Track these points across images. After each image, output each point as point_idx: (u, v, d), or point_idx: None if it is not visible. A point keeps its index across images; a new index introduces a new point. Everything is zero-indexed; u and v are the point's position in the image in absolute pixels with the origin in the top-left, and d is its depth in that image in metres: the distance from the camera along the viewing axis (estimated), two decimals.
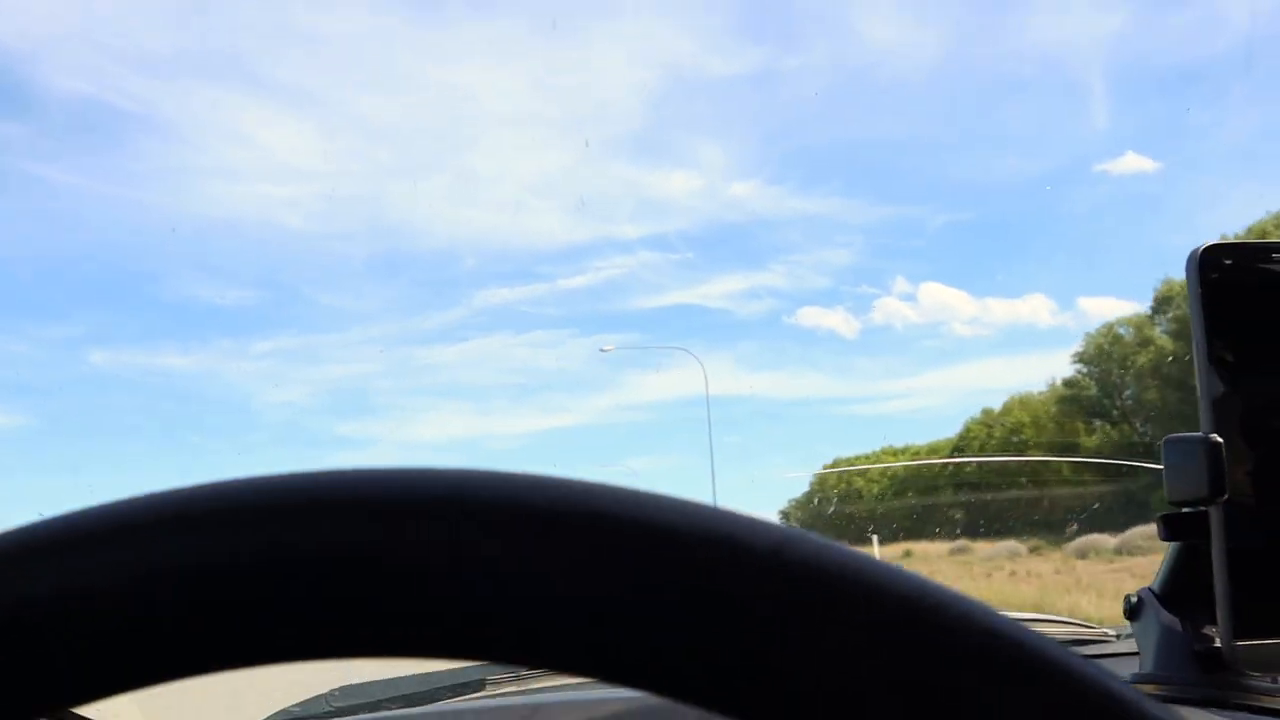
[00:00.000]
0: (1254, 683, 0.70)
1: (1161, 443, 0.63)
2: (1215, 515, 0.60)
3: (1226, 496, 0.60)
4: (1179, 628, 0.73)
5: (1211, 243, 0.61)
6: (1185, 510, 0.63)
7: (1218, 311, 0.60)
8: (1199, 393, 0.60)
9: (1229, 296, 0.61)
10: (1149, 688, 0.72)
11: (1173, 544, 0.76)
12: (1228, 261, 0.61)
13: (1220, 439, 0.59)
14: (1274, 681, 0.71)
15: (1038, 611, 1.54)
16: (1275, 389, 0.61)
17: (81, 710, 0.85)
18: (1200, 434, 0.60)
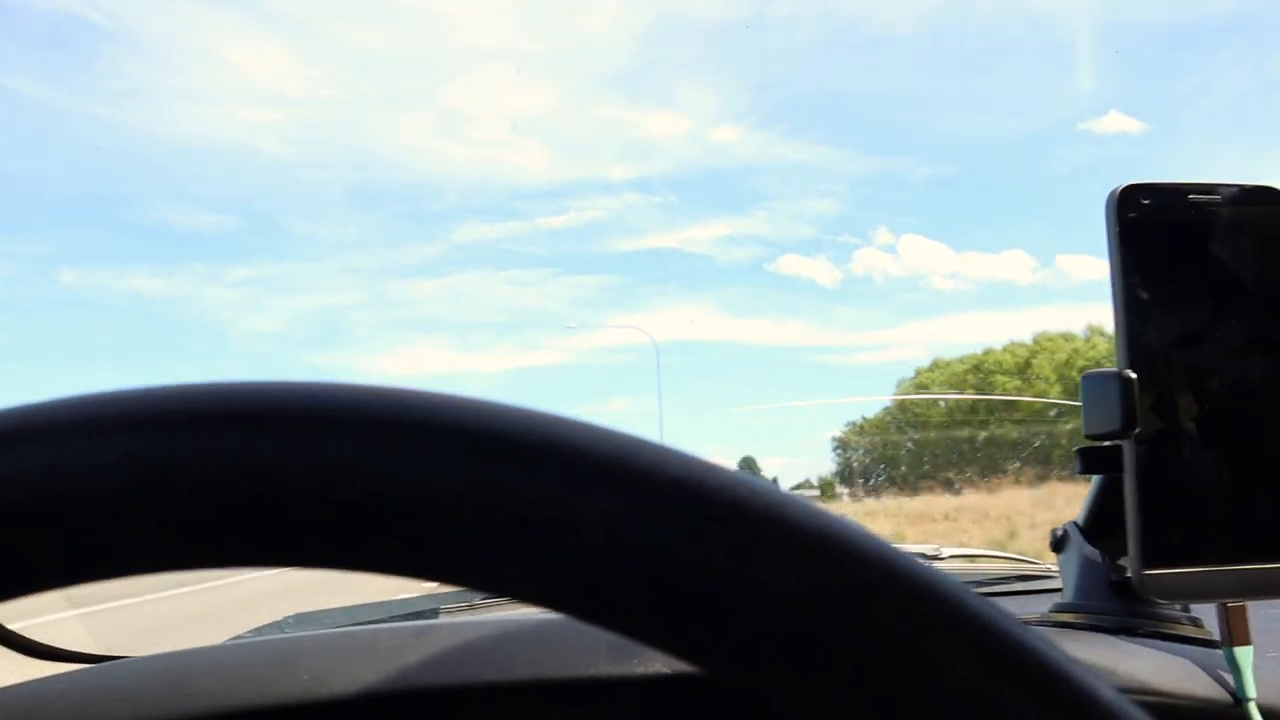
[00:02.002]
0: (1164, 611, 0.72)
1: (1080, 378, 0.64)
2: (1128, 449, 0.62)
3: (1138, 430, 0.61)
4: (1099, 559, 0.76)
5: (1130, 182, 0.62)
6: (1103, 444, 0.65)
7: (1134, 250, 0.61)
8: (1114, 329, 0.62)
9: (1146, 236, 0.62)
10: (1067, 616, 0.75)
11: (1096, 478, 0.78)
12: (1145, 201, 0.62)
13: (1133, 374, 0.61)
14: (1183, 609, 0.73)
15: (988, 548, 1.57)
16: (1187, 326, 0.62)
17: (27, 632, 0.86)
18: (1114, 369, 0.62)
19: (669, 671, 0.51)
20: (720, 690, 0.51)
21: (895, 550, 0.24)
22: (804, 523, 0.23)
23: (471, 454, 0.22)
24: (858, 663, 0.23)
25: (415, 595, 1.42)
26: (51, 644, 0.92)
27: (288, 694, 0.50)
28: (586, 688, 0.51)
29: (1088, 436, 0.64)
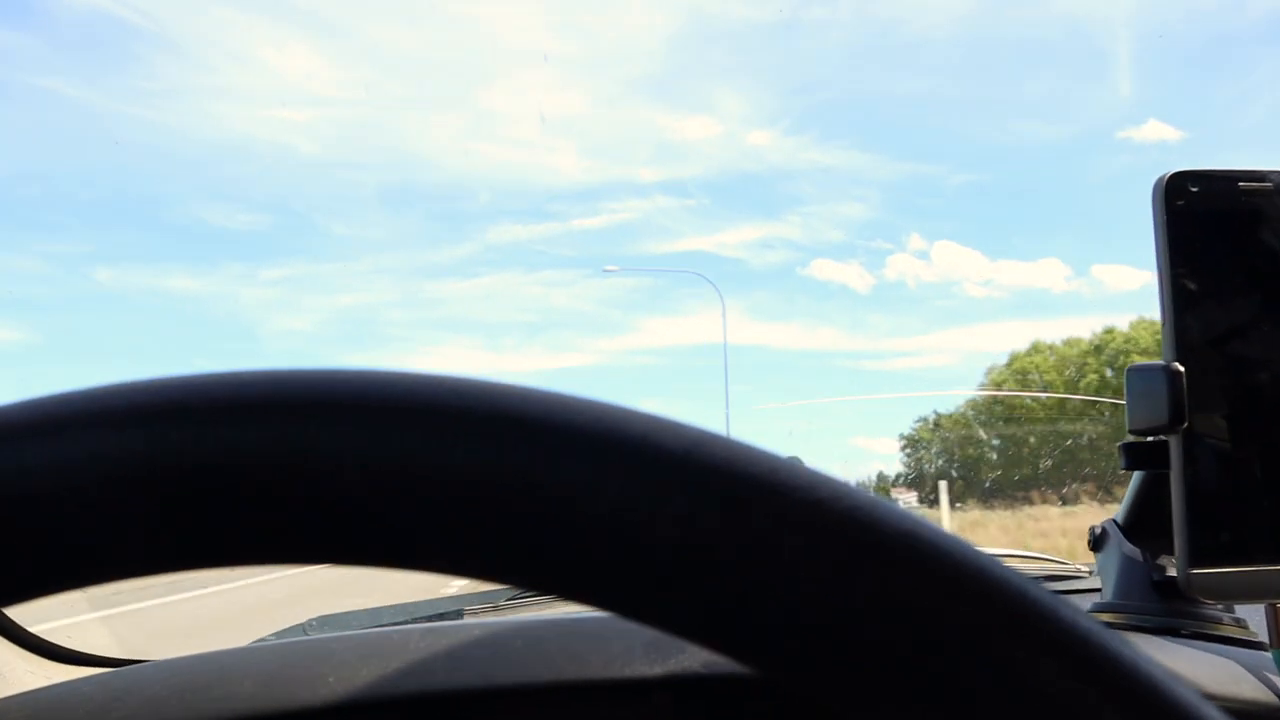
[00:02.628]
0: (1208, 611, 0.71)
1: (1125, 372, 0.63)
2: (1175, 444, 0.60)
3: (1186, 425, 0.60)
4: (1139, 558, 0.74)
5: (1179, 169, 0.60)
6: (1147, 440, 0.63)
7: (1182, 239, 0.60)
8: (1161, 321, 0.60)
9: (1194, 224, 0.60)
10: (1107, 616, 0.73)
11: (1136, 475, 0.76)
12: (1194, 189, 0.60)
13: (1181, 367, 0.59)
14: (1226, 610, 0.72)
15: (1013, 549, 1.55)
16: (1236, 318, 0.61)
17: (50, 636, 0.86)
18: (1161, 362, 0.60)
19: (704, 671, 0.50)
20: (756, 689, 0.50)
21: (981, 554, 0.23)
22: (888, 523, 0.22)
23: (626, 467, 0.21)
24: (938, 671, 0.22)
25: (438, 597, 1.42)
26: (74, 647, 0.91)
27: (315, 697, 0.49)
28: (624, 688, 0.50)
29: (1132, 431, 0.63)
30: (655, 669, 0.50)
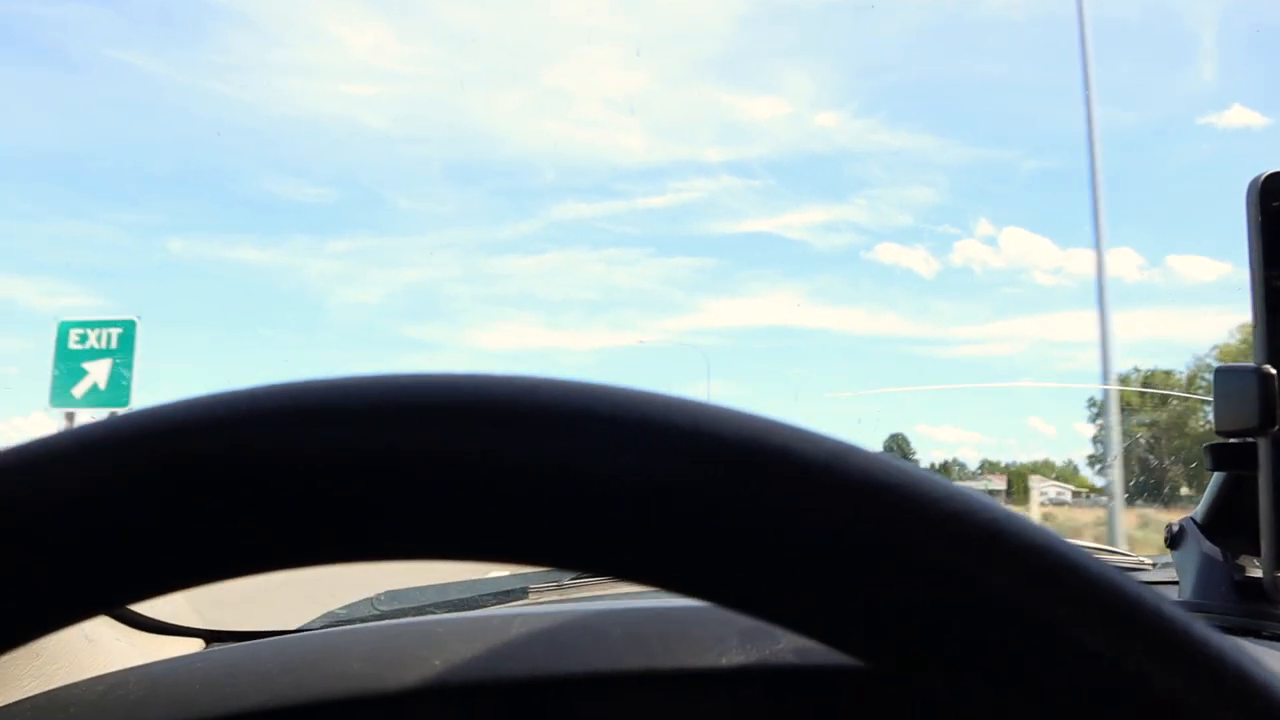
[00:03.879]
0: None
1: (1212, 373, 0.62)
2: (1264, 446, 0.60)
3: (1278, 428, 0.59)
4: (1219, 557, 0.73)
5: (1272, 170, 0.59)
6: (1233, 441, 0.63)
7: (1275, 241, 0.59)
8: (1252, 323, 0.59)
9: None
10: None
11: (1216, 474, 0.75)
12: None
13: (1273, 370, 0.59)
14: None
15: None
16: None
17: (136, 606, 0.88)
18: (1253, 364, 0.59)
19: (798, 661, 0.51)
20: (848, 680, 0.51)
21: (1111, 569, 0.23)
22: (1019, 535, 0.23)
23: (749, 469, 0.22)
24: (1053, 674, 0.22)
25: (502, 574, 1.44)
26: (159, 617, 0.94)
27: (421, 679, 0.50)
28: (716, 677, 0.50)
29: (1219, 433, 0.62)
30: (749, 658, 0.50)
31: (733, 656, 0.50)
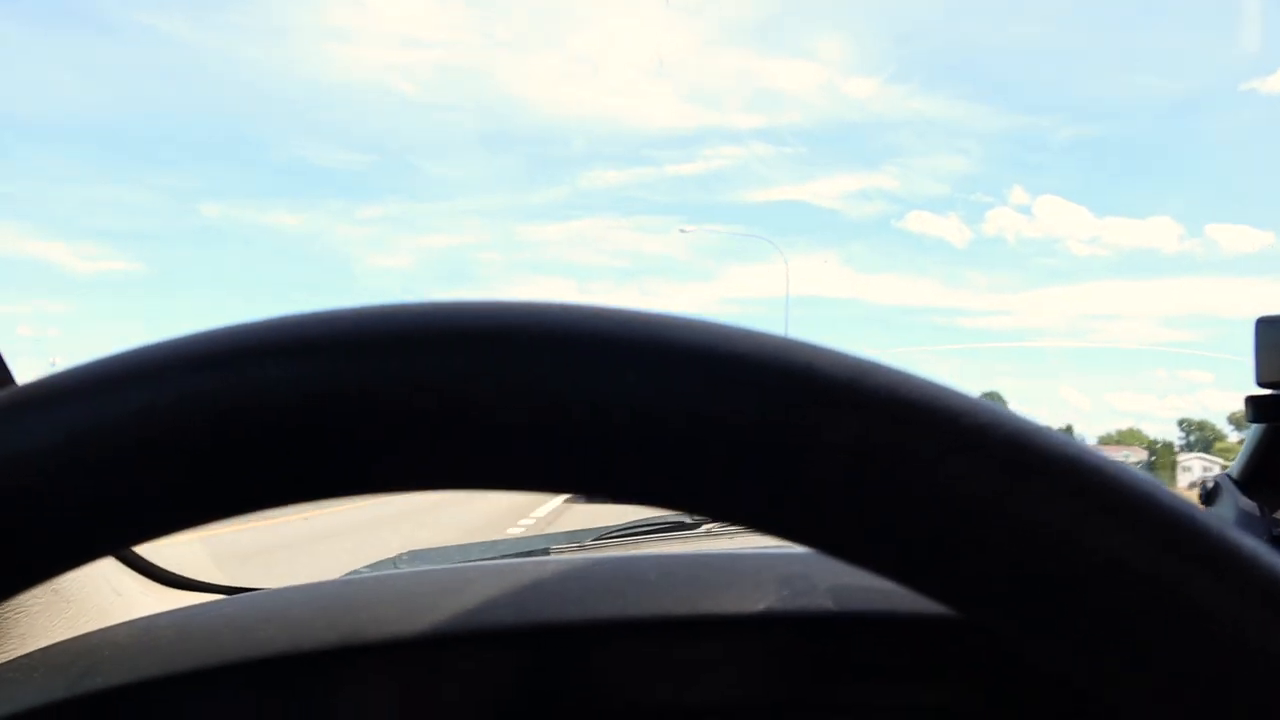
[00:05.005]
0: None
1: (1255, 322, 0.61)
2: None
3: None
4: (1256, 512, 0.72)
5: None
6: (1275, 393, 0.61)
7: None
8: None
9: None
10: None
11: (1252, 429, 0.74)
12: None
13: None
14: None
15: None
16: None
17: (162, 563, 0.89)
18: None
19: (837, 609, 0.50)
20: (889, 627, 0.50)
21: (1146, 479, 0.22)
22: (1050, 447, 0.22)
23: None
24: (1107, 603, 0.22)
25: (522, 535, 1.44)
26: (184, 574, 0.94)
27: (458, 623, 0.49)
28: (755, 622, 0.50)
29: (1261, 384, 0.61)
30: (787, 605, 0.50)
31: (770, 602, 0.50)
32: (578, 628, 0.50)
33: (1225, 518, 0.75)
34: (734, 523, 0.23)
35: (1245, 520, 0.72)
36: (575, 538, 1.25)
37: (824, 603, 0.50)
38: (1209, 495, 0.77)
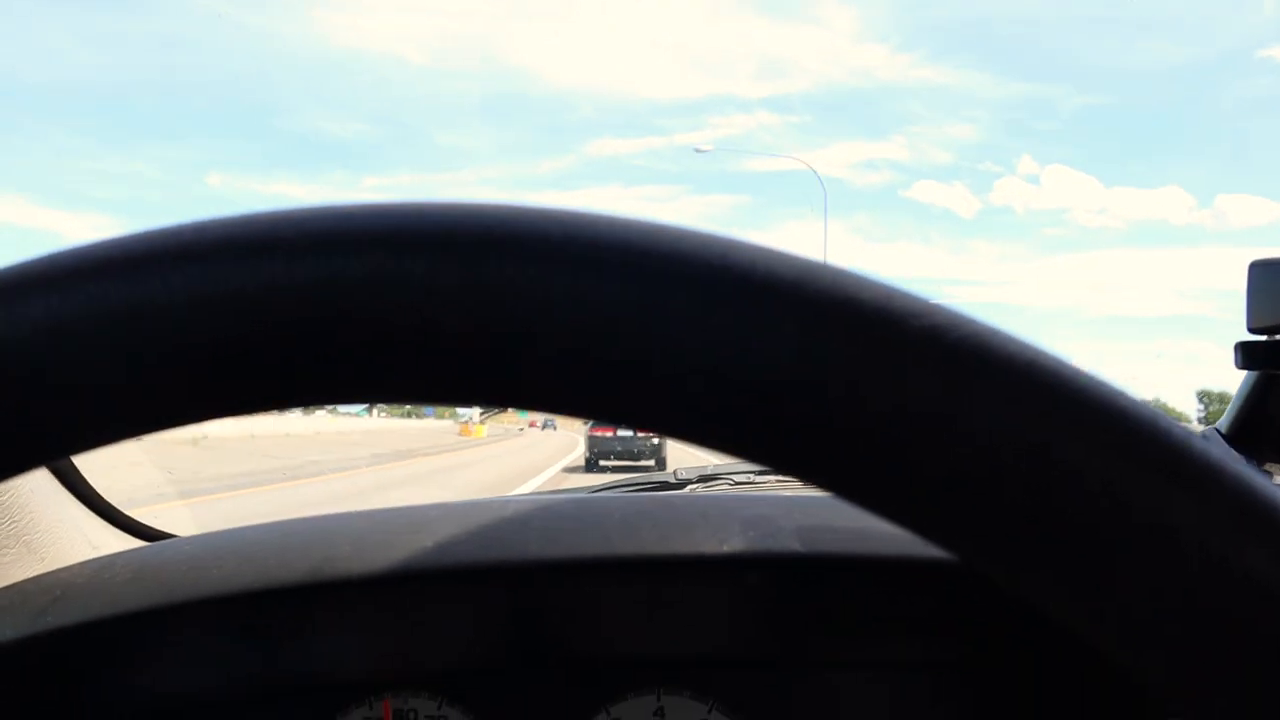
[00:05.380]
0: None
1: (1247, 266, 0.59)
2: None
3: None
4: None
5: None
6: (1268, 339, 0.60)
7: None
8: None
9: None
10: None
11: (1245, 380, 0.73)
12: None
13: None
14: None
15: None
16: None
17: (137, 515, 0.88)
18: None
19: (803, 550, 0.49)
20: (852, 566, 0.49)
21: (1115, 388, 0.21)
22: (1009, 352, 0.20)
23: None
24: (1073, 518, 0.20)
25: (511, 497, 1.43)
26: (162, 528, 0.93)
27: (413, 562, 0.48)
28: (719, 564, 0.49)
29: (1252, 330, 0.60)
30: (751, 546, 0.49)
31: (734, 544, 0.49)
32: (538, 566, 0.49)
33: None
34: (699, 443, 0.22)
35: None
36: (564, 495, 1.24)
37: (791, 545, 0.49)
38: None
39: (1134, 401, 0.21)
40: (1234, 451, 0.72)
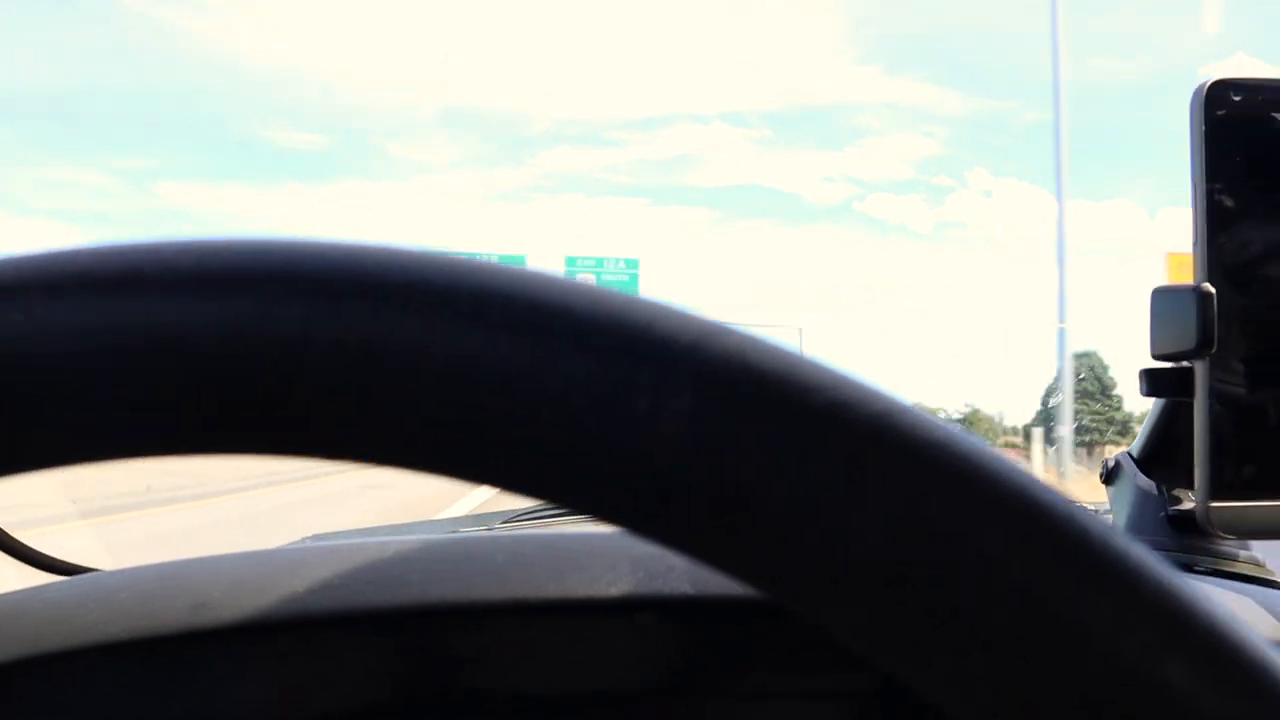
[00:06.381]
0: (1224, 548, 0.68)
1: (1150, 294, 0.59)
2: (1201, 369, 0.57)
3: (1214, 350, 0.56)
4: (1154, 491, 0.71)
5: (1220, 76, 0.56)
6: (1170, 366, 0.60)
7: (1220, 152, 0.56)
8: (1193, 239, 0.56)
9: (1234, 136, 0.56)
10: None
11: (1155, 405, 0.73)
12: (1237, 98, 0.56)
13: (1212, 289, 0.56)
14: (1243, 547, 0.69)
15: None
16: (1274, 238, 0.57)
17: (46, 550, 0.84)
18: (1191, 284, 0.57)
19: (694, 593, 0.48)
20: (747, 612, 0.48)
21: (1015, 466, 0.20)
22: (921, 435, 0.19)
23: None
24: (962, 602, 0.19)
25: (429, 520, 1.40)
26: (64, 558, 0.90)
27: (287, 609, 0.46)
28: (606, 607, 0.47)
29: (1156, 357, 0.60)
30: (641, 588, 0.47)
31: (622, 585, 0.47)
32: (422, 611, 0.47)
33: (1123, 497, 0.74)
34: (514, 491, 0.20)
35: (1142, 500, 0.71)
36: (482, 520, 1.22)
37: (681, 586, 0.48)
38: (1110, 474, 0.76)
39: (1055, 495, 0.20)
40: (1147, 480, 0.72)
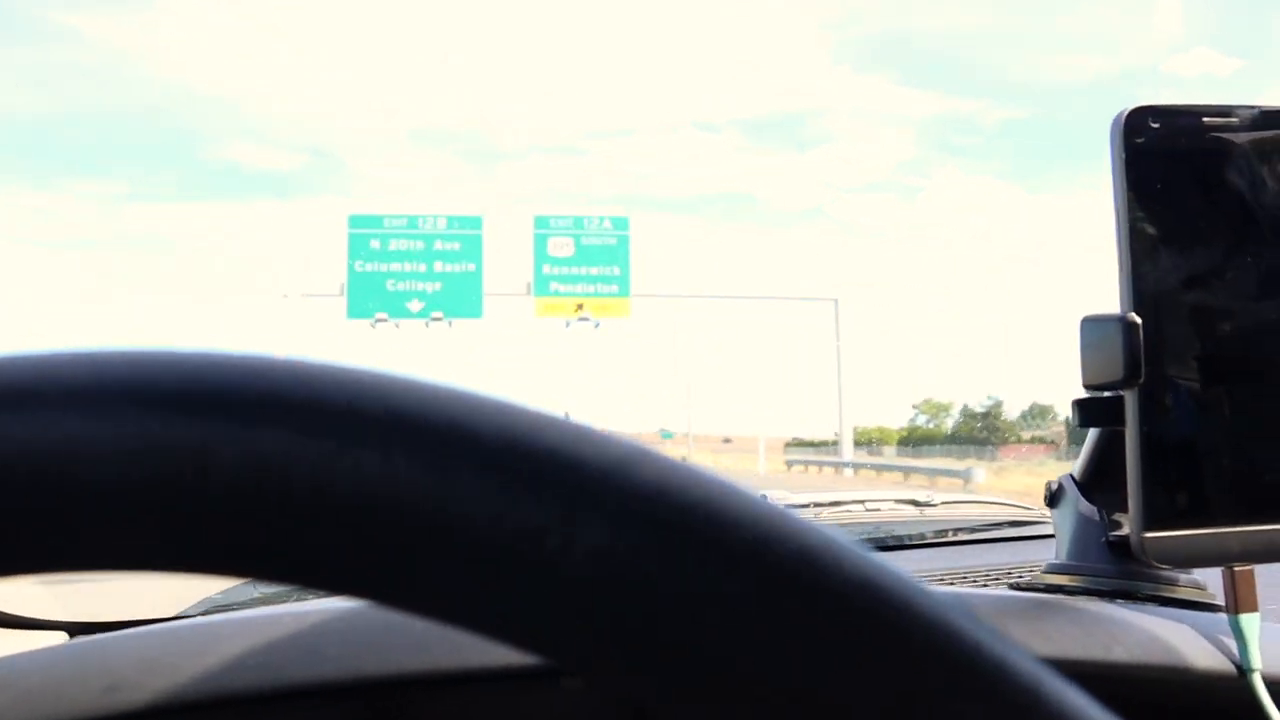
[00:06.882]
0: (1165, 573, 0.67)
1: (1079, 324, 0.58)
2: (1130, 400, 0.56)
3: (1142, 380, 0.56)
4: (1095, 516, 0.70)
5: (1139, 104, 0.55)
6: (1102, 395, 0.59)
7: (1141, 180, 0.55)
8: (1118, 268, 0.56)
9: (1154, 163, 0.55)
10: (1061, 578, 0.70)
11: (1090, 434, 0.72)
12: (1155, 125, 0.55)
13: (1138, 319, 0.55)
14: (1184, 571, 0.68)
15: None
16: (1198, 265, 0.56)
17: None
18: (1117, 314, 0.56)
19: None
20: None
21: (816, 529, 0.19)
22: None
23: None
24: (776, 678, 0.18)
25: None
26: (15, 611, 0.88)
27: (213, 685, 0.45)
28: (534, 675, 0.46)
29: (1087, 387, 0.59)
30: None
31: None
32: (327, 688, 0.46)
33: (1066, 521, 0.73)
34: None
35: (1083, 525, 0.71)
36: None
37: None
38: (1053, 497, 0.76)
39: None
40: (1088, 505, 0.71)
